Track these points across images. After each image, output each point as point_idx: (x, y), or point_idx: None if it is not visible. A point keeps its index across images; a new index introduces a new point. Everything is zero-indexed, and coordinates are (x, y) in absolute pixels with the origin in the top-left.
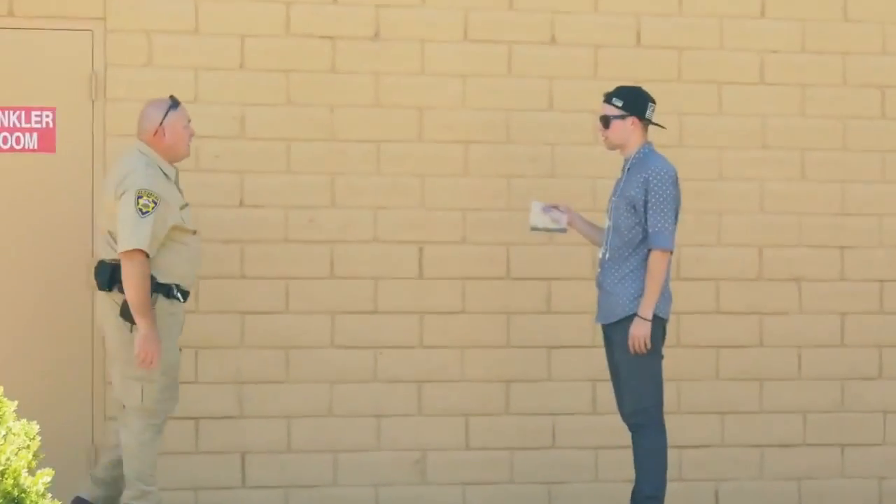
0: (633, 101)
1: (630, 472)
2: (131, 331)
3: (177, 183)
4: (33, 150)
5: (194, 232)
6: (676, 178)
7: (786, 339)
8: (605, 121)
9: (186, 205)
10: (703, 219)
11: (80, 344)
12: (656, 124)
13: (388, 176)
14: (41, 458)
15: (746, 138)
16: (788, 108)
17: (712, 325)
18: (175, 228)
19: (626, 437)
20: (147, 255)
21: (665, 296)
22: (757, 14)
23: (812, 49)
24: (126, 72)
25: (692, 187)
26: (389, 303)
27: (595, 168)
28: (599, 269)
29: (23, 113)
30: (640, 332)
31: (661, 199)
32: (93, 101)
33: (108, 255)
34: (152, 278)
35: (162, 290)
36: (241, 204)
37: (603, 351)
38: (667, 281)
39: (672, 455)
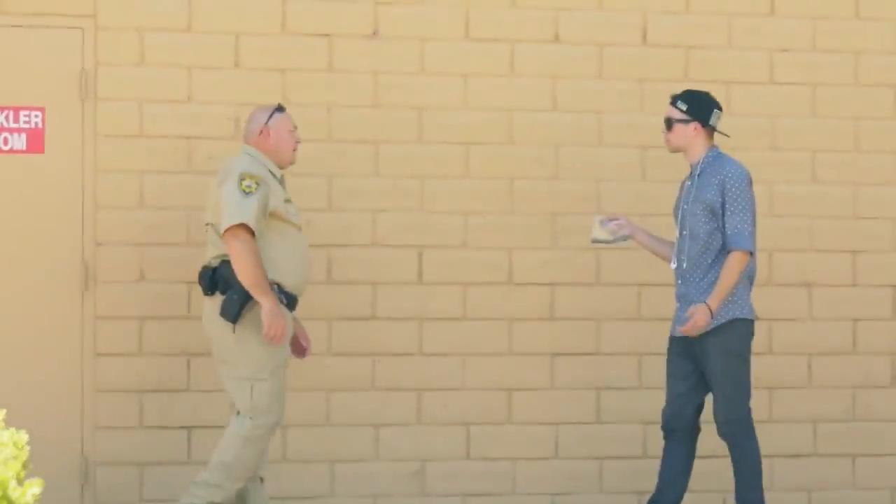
0: (698, 107)
1: (637, 484)
2: (234, 331)
3: (282, 184)
4: (22, 152)
5: (300, 228)
6: (751, 180)
7: (796, 346)
8: (668, 123)
9: (290, 200)
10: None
11: (71, 350)
12: (720, 132)
13: (387, 178)
14: (30, 469)
15: (756, 139)
16: (799, 108)
17: None
18: (277, 218)
19: (630, 447)
20: (253, 234)
21: (747, 297)
22: (767, 12)
23: (823, 48)
24: (117, 71)
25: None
26: (388, 308)
27: (600, 170)
28: (680, 281)
29: (11, 113)
30: (702, 321)
31: (738, 201)
32: (83, 101)
33: (210, 252)
34: None
35: None
36: None
37: (606, 359)
38: (748, 279)
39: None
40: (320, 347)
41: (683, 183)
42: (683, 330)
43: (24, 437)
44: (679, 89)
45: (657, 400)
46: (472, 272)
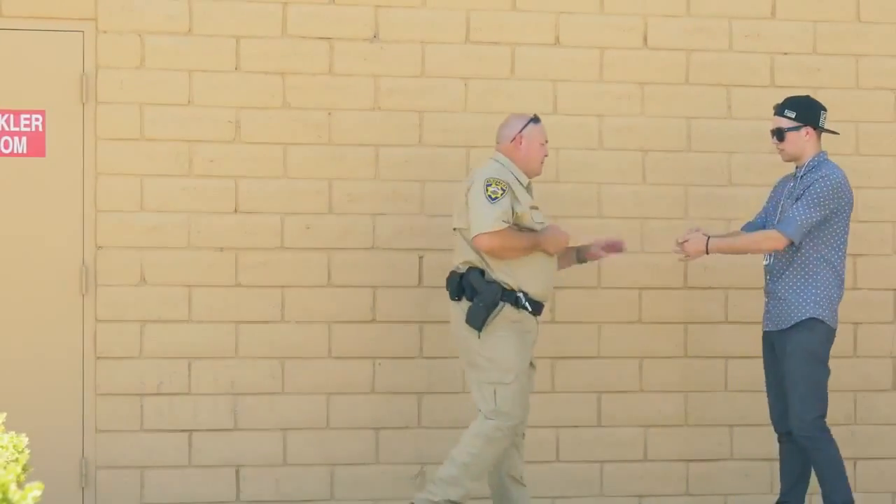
0: (806, 111)
1: (636, 487)
2: (479, 337)
3: (528, 191)
4: (22, 155)
5: None
6: (840, 186)
7: None
8: (780, 134)
9: (537, 207)
10: (711, 226)
11: (72, 353)
12: (830, 131)
13: (388, 181)
14: (30, 472)
15: (756, 143)
16: None
17: (721, 336)
18: (522, 224)
19: (631, 450)
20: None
21: (834, 306)
22: (767, 14)
23: (824, 51)
24: (118, 74)
25: (700, 193)
26: (389, 312)
27: (600, 173)
28: (768, 277)
29: (11, 116)
30: (692, 248)
31: (813, 197)
32: (83, 104)
33: (457, 258)
34: (497, 284)
35: (507, 298)
36: (236, 210)
37: (607, 362)
38: (838, 288)
39: (678, 468)
40: (321, 351)
41: (780, 182)
42: (681, 247)
43: (24, 440)
44: (681, 92)
45: (656, 403)
46: None
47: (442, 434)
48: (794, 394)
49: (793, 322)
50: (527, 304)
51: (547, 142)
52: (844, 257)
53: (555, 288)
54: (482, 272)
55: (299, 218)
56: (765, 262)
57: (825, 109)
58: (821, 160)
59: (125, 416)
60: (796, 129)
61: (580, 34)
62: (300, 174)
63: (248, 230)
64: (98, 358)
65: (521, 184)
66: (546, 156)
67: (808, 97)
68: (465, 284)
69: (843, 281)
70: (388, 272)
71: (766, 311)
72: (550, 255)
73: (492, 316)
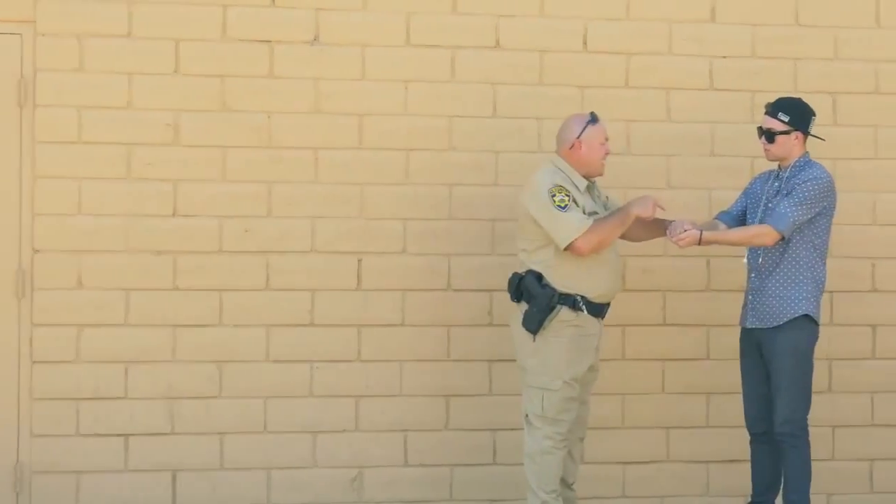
0: (800, 117)
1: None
2: (534, 340)
3: (590, 193)
4: None
5: None
6: (829, 187)
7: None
8: (770, 136)
9: (596, 213)
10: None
11: (7, 357)
12: (816, 136)
13: (327, 184)
14: None
15: (695, 145)
16: (738, 114)
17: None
18: None
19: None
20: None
21: (820, 304)
22: (707, 18)
23: (763, 54)
24: (56, 77)
25: (639, 196)
26: (327, 315)
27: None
28: (753, 275)
29: None
30: (686, 240)
31: (802, 195)
32: (21, 107)
33: (520, 267)
34: (551, 288)
35: (565, 301)
36: (174, 213)
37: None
38: (822, 286)
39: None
40: (258, 354)
41: (758, 180)
42: (674, 239)
43: None
44: (620, 95)
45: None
46: (411, 279)
47: (379, 437)
48: (784, 393)
49: (785, 319)
50: (584, 306)
51: (607, 140)
52: (826, 257)
53: (492, 290)
54: (539, 276)
55: (238, 221)
56: (745, 259)
57: (815, 115)
58: (806, 161)
59: (61, 420)
60: (787, 132)
61: (520, 37)
62: (239, 177)
63: (185, 233)
64: (34, 362)
65: (578, 189)
66: (608, 153)
67: (801, 101)
68: (522, 288)
69: (825, 280)
70: (327, 275)
71: (751, 309)
72: (644, 219)
73: (548, 320)
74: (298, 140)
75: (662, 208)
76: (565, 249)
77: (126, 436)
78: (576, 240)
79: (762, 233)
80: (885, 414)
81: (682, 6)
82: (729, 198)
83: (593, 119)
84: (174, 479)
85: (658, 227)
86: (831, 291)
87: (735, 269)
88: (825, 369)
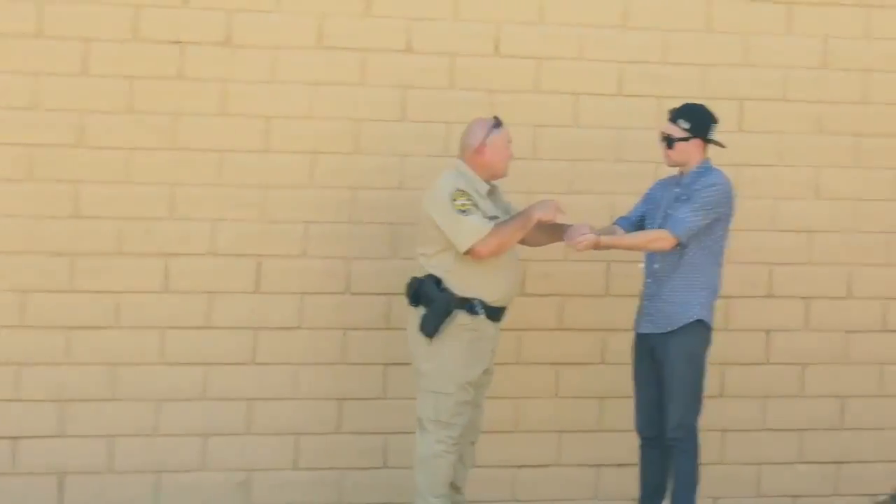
0: (699, 123)
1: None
2: (429, 344)
3: (491, 197)
4: None
5: None
6: (728, 194)
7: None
8: (670, 142)
9: (497, 217)
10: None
11: None
12: (717, 143)
13: (229, 187)
14: None
15: (601, 151)
16: (645, 120)
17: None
18: None
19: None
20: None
21: (713, 309)
22: (618, 24)
23: (673, 60)
24: None
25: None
26: (223, 318)
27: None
28: (650, 280)
29: None
30: (584, 243)
31: (700, 201)
32: None
33: (419, 271)
34: (449, 292)
35: (463, 305)
36: (76, 215)
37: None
38: (717, 292)
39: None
40: (153, 356)
41: (659, 185)
42: (572, 243)
43: None
44: (530, 100)
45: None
46: (310, 282)
47: (270, 440)
48: (676, 398)
49: (680, 325)
50: (481, 310)
51: (511, 141)
52: (722, 263)
53: (391, 293)
54: (438, 281)
55: (139, 222)
56: (641, 265)
57: (717, 121)
58: (707, 167)
59: None
60: (686, 139)
61: (432, 41)
62: (143, 178)
63: (86, 234)
64: None
65: (479, 193)
66: (511, 157)
67: (702, 107)
68: (420, 292)
69: (720, 286)
70: (226, 278)
71: (646, 314)
72: (545, 222)
73: (445, 324)
74: (204, 142)
75: (563, 212)
76: (465, 253)
77: (15, 438)
78: (476, 244)
79: (660, 238)
80: (775, 418)
81: (595, 11)
82: (633, 204)
83: (497, 124)
84: (61, 482)
85: (557, 232)
86: (728, 297)
87: (634, 275)
88: (718, 374)
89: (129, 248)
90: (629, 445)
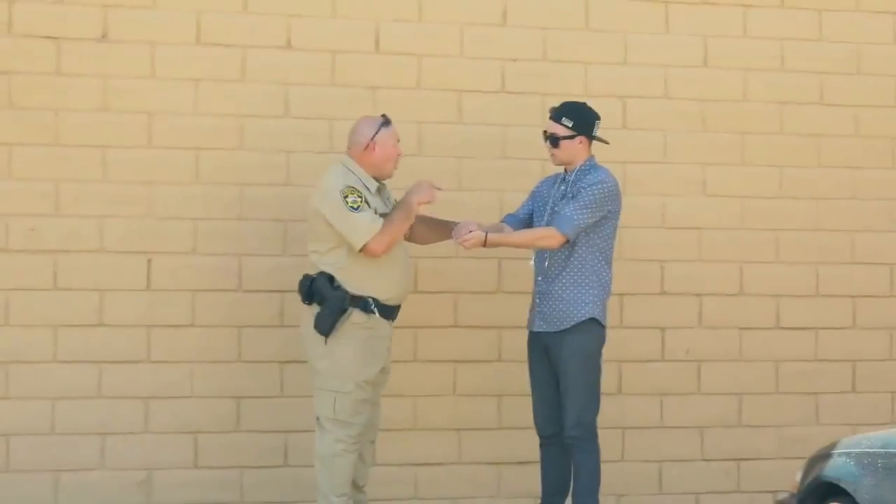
0: (583, 121)
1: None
2: (325, 343)
3: (380, 195)
4: None
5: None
6: (614, 191)
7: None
8: (555, 140)
9: (386, 214)
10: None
11: None
12: (602, 140)
13: (115, 183)
14: None
15: (487, 148)
16: (529, 117)
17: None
18: None
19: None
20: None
21: (606, 307)
22: (498, 22)
23: (553, 58)
24: None
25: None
26: (115, 316)
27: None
28: (540, 277)
29: None
30: (471, 241)
31: (586, 199)
32: None
33: (311, 268)
34: (343, 290)
35: (357, 303)
36: None
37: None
38: (608, 289)
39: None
40: (45, 355)
41: (545, 183)
42: (459, 240)
43: None
44: (412, 97)
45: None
46: (202, 279)
47: (169, 439)
48: (573, 396)
49: (572, 323)
50: (375, 308)
51: (399, 140)
52: (612, 260)
53: (284, 291)
54: (331, 278)
55: (24, 220)
56: (531, 262)
57: (599, 118)
58: (592, 165)
59: None
60: (571, 137)
61: (312, 37)
62: (25, 175)
63: None
64: None
65: (369, 190)
66: (400, 155)
67: (584, 105)
68: (314, 290)
69: (611, 283)
70: (116, 275)
71: (539, 313)
72: (425, 203)
73: (339, 322)
74: (86, 138)
75: (440, 188)
76: (360, 251)
77: None
78: (369, 241)
79: (547, 235)
80: (673, 416)
81: (474, 10)
82: (520, 200)
83: (386, 121)
84: None
85: (445, 229)
86: (621, 294)
87: (526, 272)
88: (615, 371)
89: (15, 245)
90: (529, 443)
